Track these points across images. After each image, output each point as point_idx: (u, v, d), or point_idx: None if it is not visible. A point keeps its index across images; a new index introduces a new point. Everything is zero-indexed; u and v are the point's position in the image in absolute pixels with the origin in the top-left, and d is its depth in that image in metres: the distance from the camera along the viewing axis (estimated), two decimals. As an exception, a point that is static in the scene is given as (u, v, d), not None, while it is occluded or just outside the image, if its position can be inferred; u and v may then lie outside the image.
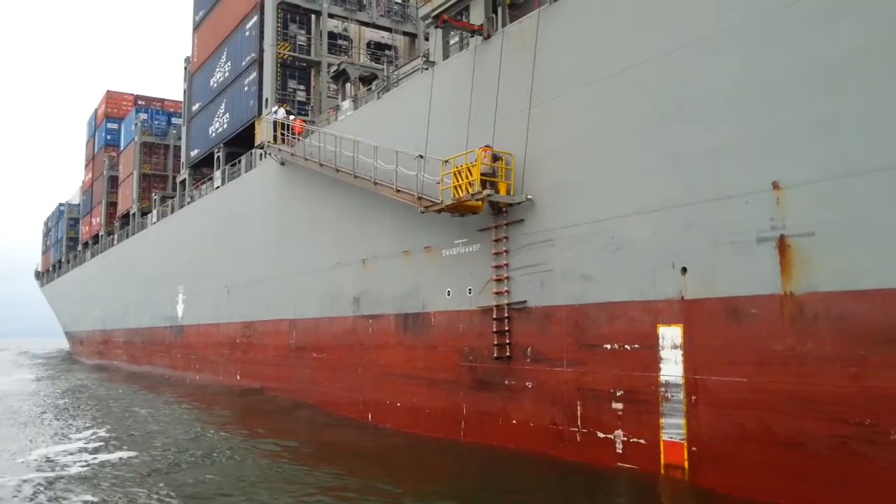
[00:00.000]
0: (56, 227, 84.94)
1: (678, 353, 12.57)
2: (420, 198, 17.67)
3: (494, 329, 16.42)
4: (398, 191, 18.60)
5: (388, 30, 33.00)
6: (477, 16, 18.12)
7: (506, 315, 16.29)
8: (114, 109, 62.35)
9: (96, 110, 66.07)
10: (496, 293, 16.51)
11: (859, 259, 10.31)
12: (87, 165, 70.11)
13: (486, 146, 16.15)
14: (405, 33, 33.52)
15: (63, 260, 78.46)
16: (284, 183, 27.35)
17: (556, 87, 15.47)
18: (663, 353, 12.82)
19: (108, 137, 62.12)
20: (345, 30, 32.77)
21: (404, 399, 19.75)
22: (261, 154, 29.30)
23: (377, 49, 33.50)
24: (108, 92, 62.69)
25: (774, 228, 11.25)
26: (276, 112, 26.63)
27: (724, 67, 12.20)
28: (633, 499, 12.55)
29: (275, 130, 26.34)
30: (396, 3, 33.73)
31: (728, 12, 12.19)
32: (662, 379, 12.79)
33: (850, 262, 10.40)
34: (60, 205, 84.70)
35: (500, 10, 17.74)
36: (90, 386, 36.11)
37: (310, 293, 25.17)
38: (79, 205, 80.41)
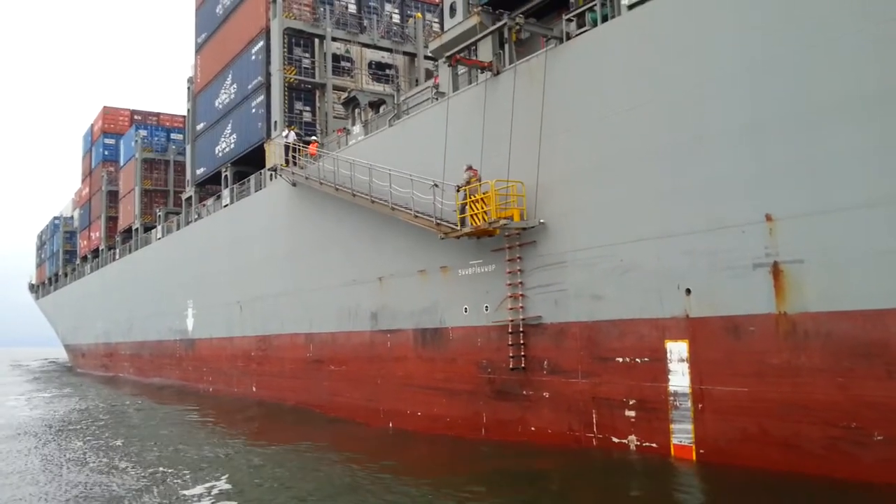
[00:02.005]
0: (51, 241, 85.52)
1: (685, 366, 14.07)
2: (439, 224, 19.06)
3: (510, 342, 17.85)
4: (416, 216, 19.97)
5: (389, 50, 34.35)
6: (485, 52, 19.53)
7: (521, 330, 17.73)
8: (111, 125, 63.29)
9: (92, 126, 66.95)
10: (512, 309, 17.94)
11: (842, 284, 11.84)
12: (83, 180, 70.94)
13: (472, 168, 18.17)
14: (405, 53, 34.87)
15: (60, 273, 79.13)
16: (296, 202, 28.62)
17: (564, 122, 16.90)
18: (671, 366, 14.32)
19: (106, 153, 63.02)
20: (347, 51, 34.10)
21: (424, 408, 21.15)
22: (271, 174, 30.58)
23: (378, 69, 34.88)
24: (105, 108, 63.61)
25: (769, 255, 12.76)
26: (286, 136, 27.90)
27: (721, 110, 13.67)
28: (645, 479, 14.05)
29: (287, 154, 27.62)
30: (395, 24, 35.11)
31: (722, 61, 13.67)
32: (671, 389, 14.29)
33: (835, 287, 11.92)
34: (55, 218, 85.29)
35: (506, 46, 19.13)
36: (126, 411, 32.05)
37: (326, 309, 26.49)
38: (72, 218, 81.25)
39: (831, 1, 12.19)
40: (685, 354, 14.09)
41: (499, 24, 17.93)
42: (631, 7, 15.54)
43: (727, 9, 13.75)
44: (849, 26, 11.89)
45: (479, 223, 17.47)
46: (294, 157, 27.38)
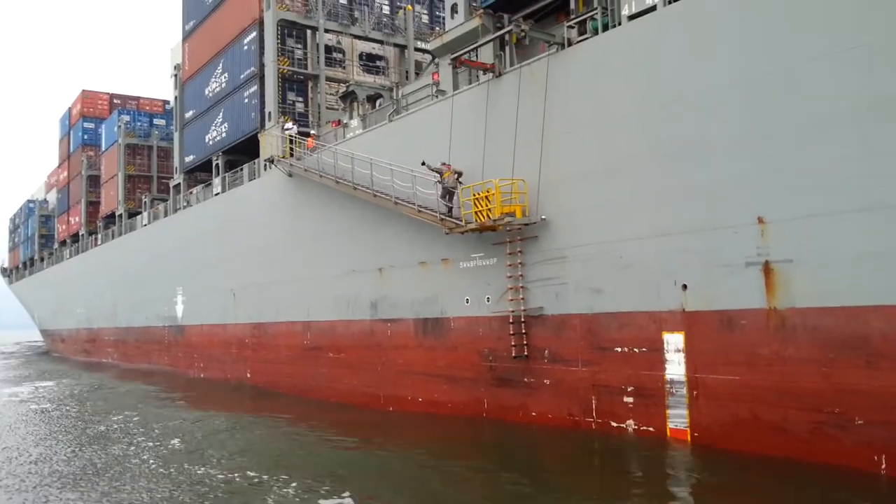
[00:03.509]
0: (25, 224, 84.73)
1: (681, 356, 15.21)
2: (443, 219, 19.94)
3: (512, 332, 18.85)
4: (420, 211, 20.81)
5: (380, 42, 34.99)
6: (485, 53, 20.34)
7: (523, 320, 18.74)
8: (90, 109, 63.02)
9: (70, 109, 66.45)
10: (513, 301, 18.91)
11: (828, 282, 12.99)
12: (60, 164, 70.44)
13: (446, 164, 20.12)
14: (395, 45, 35.52)
15: (36, 257, 78.58)
16: (292, 193, 29.24)
17: (566, 124, 17.82)
18: (668, 356, 15.46)
19: (85, 137, 62.80)
20: (338, 43, 34.62)
21: (425, 394, 22.14)
22: (265, 164, 31.12)
23: (369, 60, 35.46)
24: (84, 91, 63.21)
25: (760, 255, 13.88)
26: (290, 129, 28.49)
27: (717, 118, 14.70)
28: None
29: (291, 145, 28.22)
30: (385, 15, 35.70)
31: (719, 71, 14.69)
32: (668, 377, 15.44)
33: (821, 285, 13.08)
34: (29, 202, 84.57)
35: (507, 49, 19.98)
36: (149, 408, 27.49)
37: (324, 298, 27.27)
38: (46, 201, 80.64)
39: (825, 18, 13.23)
40: (681, 345, 15.22)
41: (504, 30, 18.74)
42: (631, 17, 16.49)
43: (724, 22, 14.74)
44: (841, 42, 12.93)
45: (483, 220, 18.40)
46: (293, 148, 28.00)
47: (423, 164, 20.50)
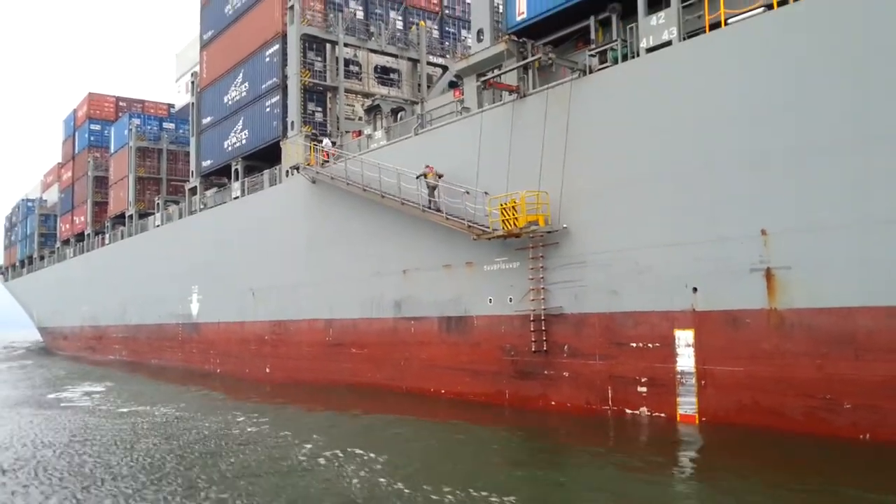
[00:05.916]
0: (24, 223, 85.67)
1: (691, 350, 17.28)
2: (470, 226, 21.92)
3: (533, 329, 20.85)
4: (448, 219, 22.77)
5: (394, 56, 36.98)
6: (508, 75, 22.35)
7: (543, 318, 20.74)
8: (96, 111, 64.42)
9: (75, 111, 67.80)
10: (535, 300, 20.91)
11: (822, 286, 15.11)
12: (64, 164, 71.65)
13: (429, 166, 23.64)
14: (409, 59, 37.52)
15: (35, 256, 79.57)
16: (316, 199, 31.06)
17: (587, 143, 19.83)
18: (679, 350, 17.52)
19: (92, 138, 64.10)
20: (355, 56, 36.55)
21: (449, 386, 24.06)
22: (288, 171, 32.95)
23: (383, 73, 37.44)
24: (90, 94, 64.63)
25: (763, 262, 15.98)
26: (327, 145, 30.39)
27: (725, 143, 16.80)
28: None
29: (315, 156, 30.10)
30: (399, 30, 37.69)
31: (727, 102, 16.79)
32: (678, 369, 17.50)
33: (816, 289, 15.19)
34: (28, 201, 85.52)
35: (530, 72, 22.01)
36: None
37: (347, 297, 29.10)
38: (45, 200, 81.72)
39: (819, 59, 15.36)
40: (691, 340, 17.30)
41: (532, 57, 20.77)
42: (649, 50, 18.57)
43: (731, 58, 16.85)
44: (834, 80, 15.06)
45: (510, 227, 20.40)
46: (325, 160, 29.87)
47: (417, 177, 23.90)
